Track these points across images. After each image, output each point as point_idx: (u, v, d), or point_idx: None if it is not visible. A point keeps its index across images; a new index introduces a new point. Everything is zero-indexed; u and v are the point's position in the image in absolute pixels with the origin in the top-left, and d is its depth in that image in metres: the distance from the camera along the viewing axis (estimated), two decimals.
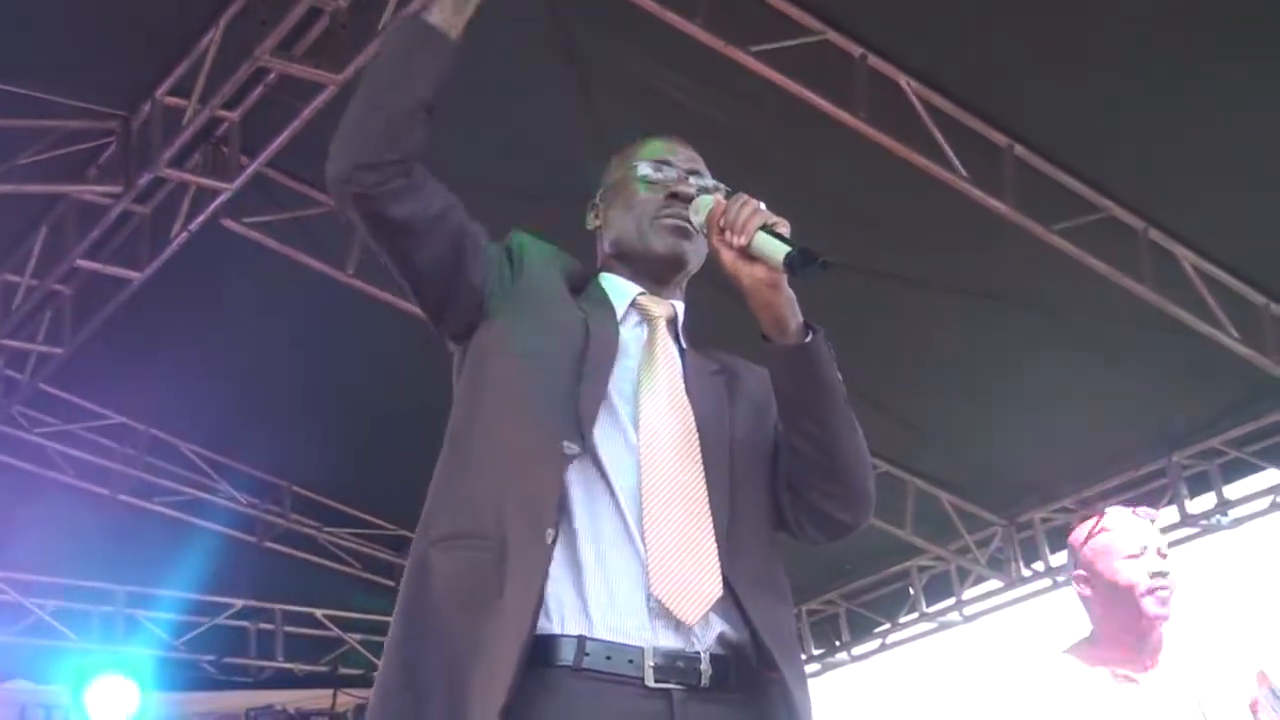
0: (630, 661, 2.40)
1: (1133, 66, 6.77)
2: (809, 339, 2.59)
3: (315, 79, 6.91)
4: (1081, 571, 4.31)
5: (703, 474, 2.55)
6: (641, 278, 2.78)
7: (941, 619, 10.82)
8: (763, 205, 2.57)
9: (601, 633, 2.41)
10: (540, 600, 2.38)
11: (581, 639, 2.39)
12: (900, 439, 9.30)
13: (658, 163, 2.82)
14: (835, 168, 7.30)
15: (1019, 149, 7.28)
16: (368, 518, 10.97)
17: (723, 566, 2.49)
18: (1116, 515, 4.37)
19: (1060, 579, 10.10)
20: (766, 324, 2.60)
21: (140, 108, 7.55)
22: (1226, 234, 7.75)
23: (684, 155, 2.86)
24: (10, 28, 6.95)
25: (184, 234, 7.79)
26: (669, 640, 2.45)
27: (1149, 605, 4.14)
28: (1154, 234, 7.67)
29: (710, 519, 2.52)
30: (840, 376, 2.64)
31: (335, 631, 10.97)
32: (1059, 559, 10.05)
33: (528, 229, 2.83)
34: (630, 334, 2.71)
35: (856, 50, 6.91)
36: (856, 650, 11.38)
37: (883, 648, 11.33)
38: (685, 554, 2.46)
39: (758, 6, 6.67)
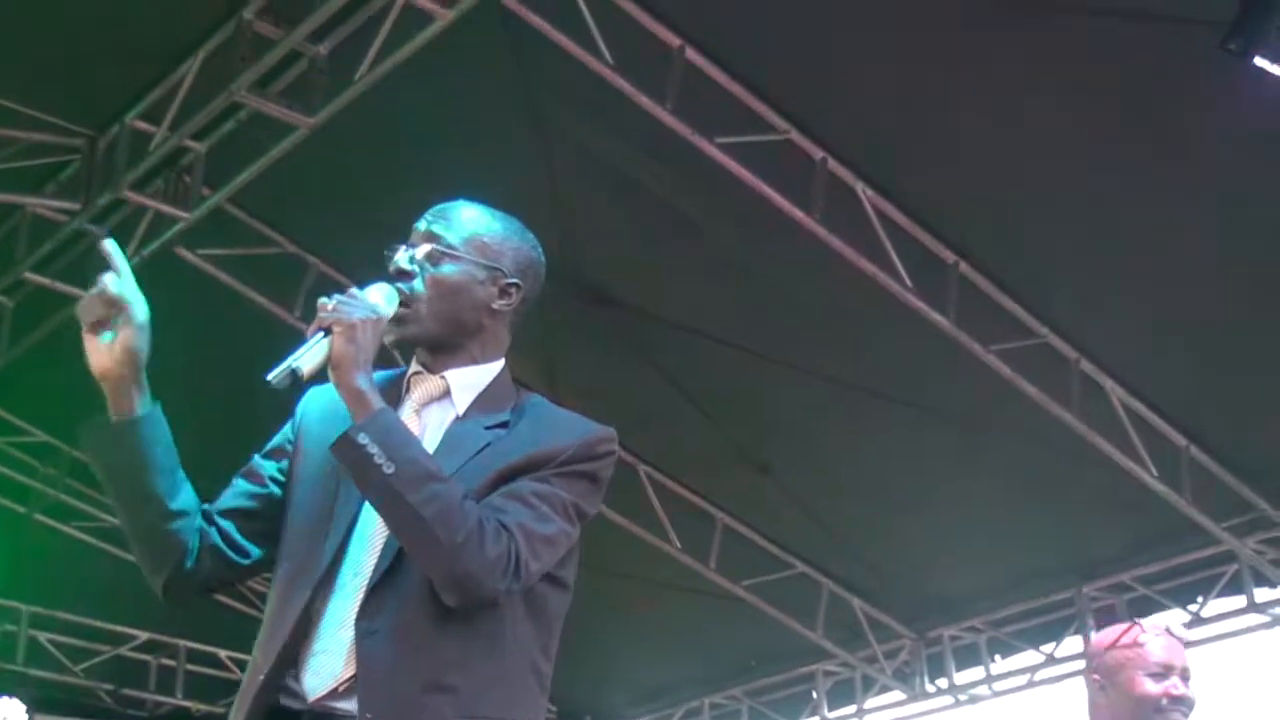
0: None
1: (1079, 201, 6.97)
2: (336, 441, 2.63)
3: (288, 120, 6.98)
4: (1098, 677, 4.19)
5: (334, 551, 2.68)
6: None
7: None
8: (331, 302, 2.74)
9: None
10: None
11: None
12: (819, 540, 9.41)
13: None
14: (782, 262, 7.44)
15: (964, 266, 7.45)
16: None
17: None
18: (1148, 629, 4.23)
19: (963, 697, 10.20)
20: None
21: (109, 129, 7.60)
22: (1155, 373, 7.93)
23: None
24: None
25: (136, 259, 7.81)
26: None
27: None
28: (1086, 365, 7.85)
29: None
30: (388, 470, 2.56)
31: (238, 674, 10.87)
32: (964, 676, 10.15)
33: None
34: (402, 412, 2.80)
35: (818, 153, 7.07)
36: None
37: None
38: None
39: (727, 99, 6.83)
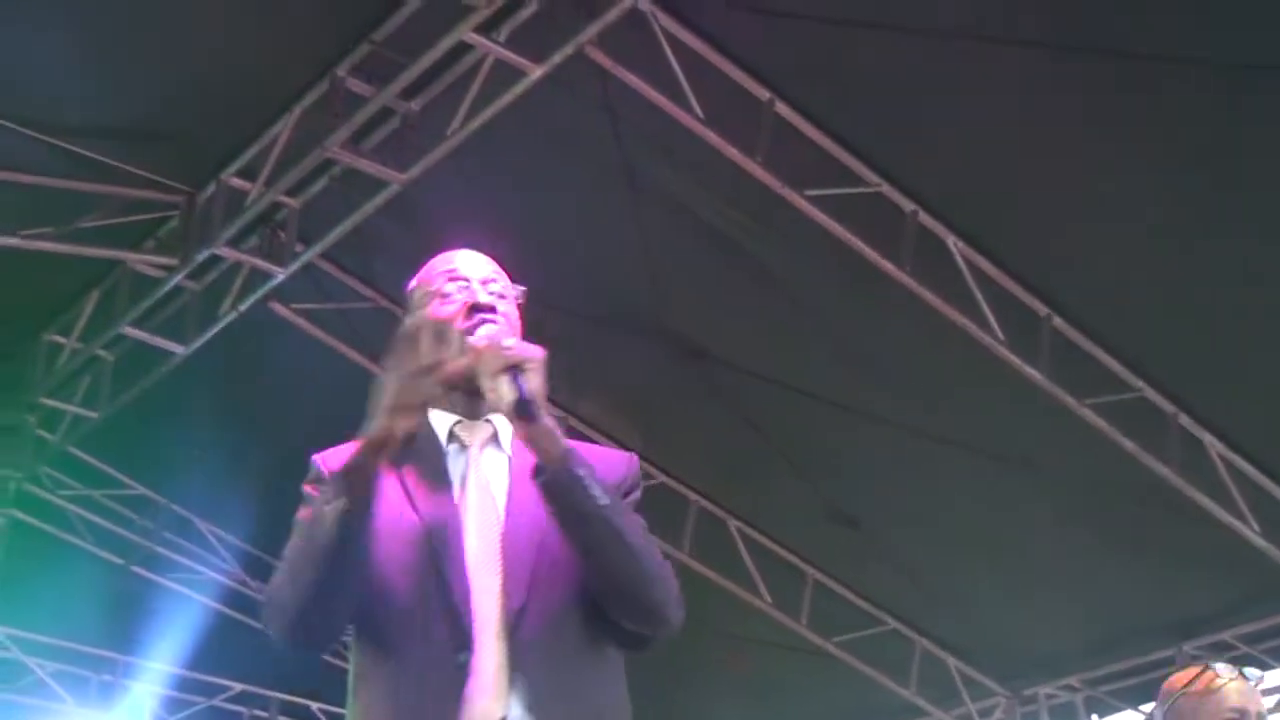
0: None
1: (1178, 254, 6.88)
2: (549, 475, 2.54)
3: (380, 176, 7.06)
4: None
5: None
6: (452, 405, 2.76)
7: None
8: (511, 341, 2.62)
9: None
10: None
11: None
12: (911, 596, 9.32)
13: (451, 276, 2.90)
14: (872, 315, 7.41)
15: (1058, 320, 7.37)
16: None
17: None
18: (1222, 671, 4.10)
19: None
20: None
21: (206, 185, 7.72)
22: (1256, 427, 7.79)
23: (474, 265, 2.92)
24: (91, 91, 7.15)
25: (233, 313, 7.92)
26: None
27: None
28: (1184, 419, 7.73)
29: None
30: (604, 502, 2.54)
31: None
32: None
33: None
34: (456, 461, 2.71)
35: (909, 205, 7.04)
36: None
37: None
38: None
39: (816, 152, 6.82)
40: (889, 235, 7.00)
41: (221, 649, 10.46)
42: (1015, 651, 9.80)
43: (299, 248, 7.63)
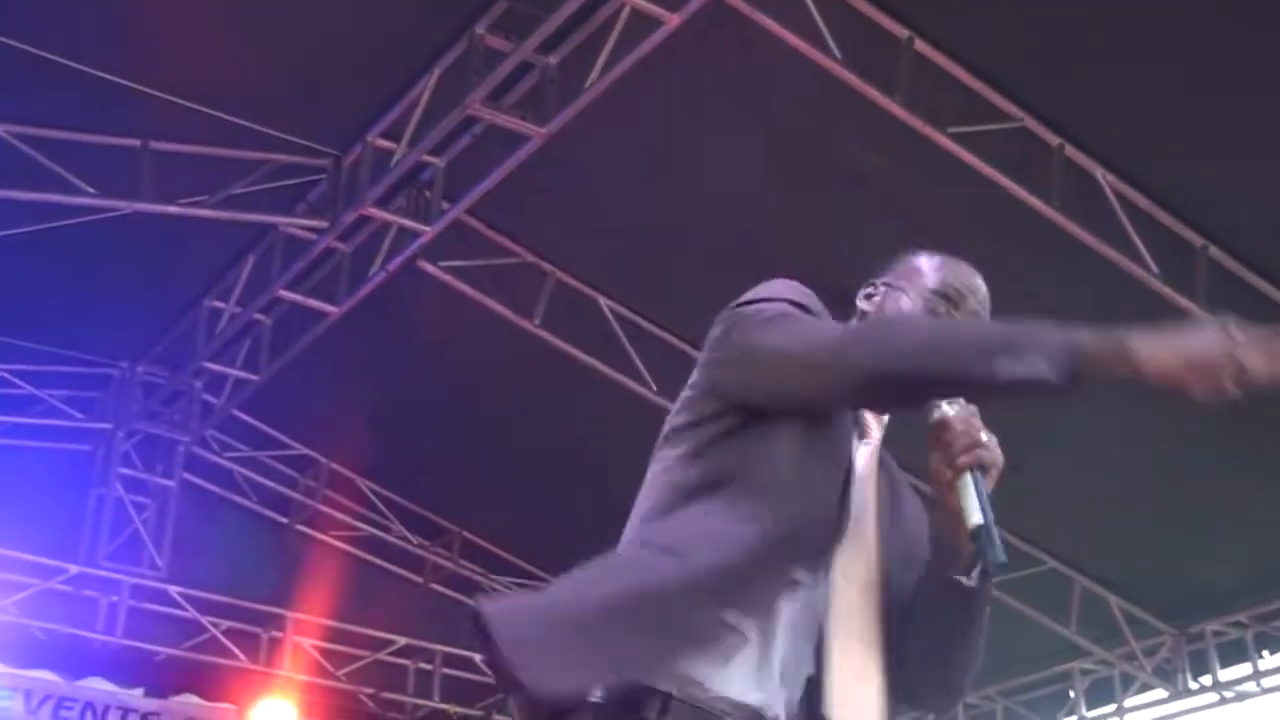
0: None
1: None
2: (973, 584, 2.50)
3: (521, 130, 7.11)
4: None
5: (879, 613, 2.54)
6: None
7: None
8: (985, 435, 2.47)
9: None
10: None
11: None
12: (1070, 535, 9.20)
13: (954, 295, 2.74)
14: (1021, 254, 7.29)
15: (1214, 250, 7.21)
16: (532, 569, 11.12)
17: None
18: None
19: (1228, 694, 9.87)
20: (946, 534, 2.52)
21: (352, 148, 7.84)
22: None
23: (975, 301, 2.76)
24: (237, 61, 7.29)
25: (382, 273, 8.05)
26: None
27: None
28: None
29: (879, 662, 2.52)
30: (986, 613, 2.54)
31: (492, 679, 11.07)
32: (1229, 673, 9.82)
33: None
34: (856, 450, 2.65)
35: (1054, 140, 6.92)
36: None
37: None
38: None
39: (957, 89, 6.73)
40: (1036, 171, 6.90)
41: (384, 604, 10.67)
42: (1179, 588, 9.64)
43: (444, 206, 7.71)
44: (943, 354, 2.41)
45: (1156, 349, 2.34)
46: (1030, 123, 6.86)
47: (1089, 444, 8.36)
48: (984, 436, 2.46)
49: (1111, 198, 7.04)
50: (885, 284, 2.79)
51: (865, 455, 2.61)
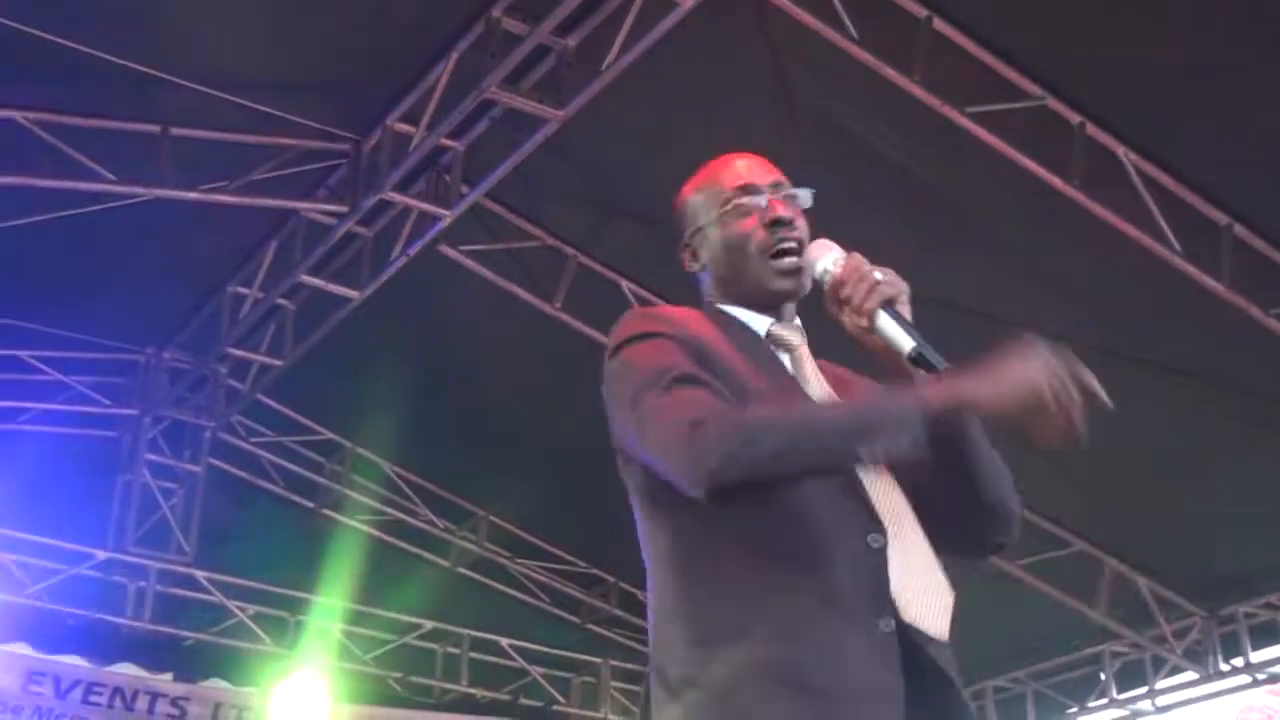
0: None
1: None
2: (932, 403, 2.41)
3: (539, 113, 7.09)
4: None
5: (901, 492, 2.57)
6: (758, 308, 2.69)
7: (1133, 707, 10.53)
8: (878, 274, 2.50)
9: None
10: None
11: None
12: (1099, 518, 9.14)
13: (743, 189, 2.70)
14: (1042, 234, 7.24)
15: (1238, 228, 7.14)
16: (559, 553, 11.13)
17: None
18: None
19: (1261, 676, 9.80)
20: (893, 380, 2.54)
21: (372, 132, 7.83)
22: None
23: (763, 172, 2.74)
24: (256, 47, 7.29)
25: (403, 257, 8.04)
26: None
27: None
28: None
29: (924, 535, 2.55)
30: (977, 424, 2.54)
31: (519, 662, 11.10)
32: (1261, 655, 9.74)
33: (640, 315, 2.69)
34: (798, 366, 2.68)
35: (1075, 118, 6.86)
36: None
37: None
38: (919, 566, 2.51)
39: (976, 68, 6.67)
40: (1056, 149, 6.83)
41: (411, 588, 10.70)
42: (1210, 570, 9.56)
43: (464, 190, 7.70)
44: (803, 453, 2.39)
45: (982, 385, 2.35)
46: (1050, 101, 6.79)
47: (1117, 425, 8.28)
48: (877, 274, 2.49)
49: (1134, 176, 6.97)
50: (686, 242, 2.77)
51: (809, 368, 2.65)
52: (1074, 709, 10.92)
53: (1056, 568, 9.47)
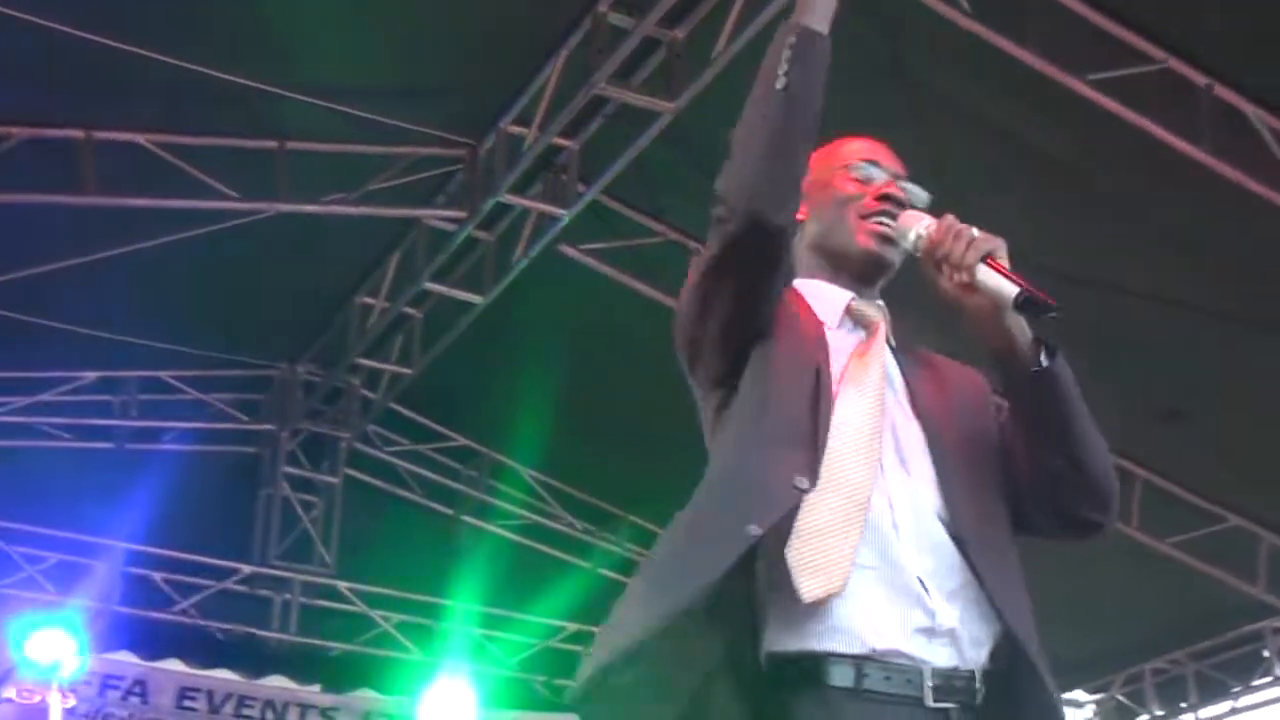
0: (908, 681, 2.38)
1: None
2: (1047, 364, 2.47)
3: (651, 107, 7.03)
4: None
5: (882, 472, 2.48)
6: (844, 277, 2.70)
7: None
8: (975, 231, 2.48)
9: None
10: None
11: None
12: (1251, 489, 8.86)
13: (865, 162, 2.73)
14: (1173, 200, 7.03)
15: None
16: None
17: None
18: None
19: None
20: (994, 345, 2.52)
21: (487, 136, 7.83)
22: None
23: (889, 158, 2.76)
24: (364, 57, 7.32)
25: (524, 259, 8.03)
26: (944, 659, 2.39)
27: None
28: None
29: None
30: (1078, 390, 2.50)
31: None
32: None
33: None
34: (845, 339, 2.63)
35: (1201, 79, 6.64)
36: (1204, 714, 10.84)
37: (1233, 712, 10.76)
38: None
39: (1095, 33, 6.49)
40: (1183, 113, 6.62)
41: (553, 591, 10.68)
42: None
43: (581, 188, 7.67)
44: (749, 125, 2.51)
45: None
46: (1174, 64, 6.58)
47: (1257, 392, 8.04)
48: (972, 230, 2.48)
49: (1265, 134, 6.73)
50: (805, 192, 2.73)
51: (863, 348, 2.61)
52: (1238, 688, 10.63)
53: (1211, 544, 9.21)
